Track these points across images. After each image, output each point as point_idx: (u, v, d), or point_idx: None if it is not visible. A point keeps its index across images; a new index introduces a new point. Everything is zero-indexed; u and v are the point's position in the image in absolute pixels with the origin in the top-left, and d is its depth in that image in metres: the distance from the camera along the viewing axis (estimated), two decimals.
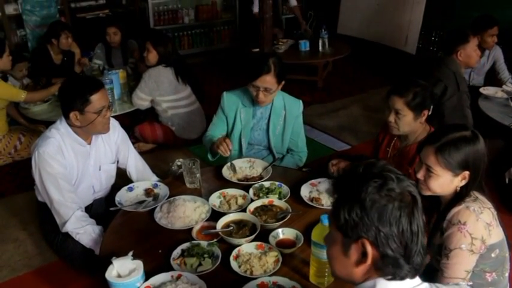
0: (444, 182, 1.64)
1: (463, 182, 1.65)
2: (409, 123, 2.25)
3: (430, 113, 2.26)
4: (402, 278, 1.04)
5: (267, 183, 2.25)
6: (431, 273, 1.68)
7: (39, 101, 3.66)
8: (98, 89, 2.18)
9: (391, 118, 2.27)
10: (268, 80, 2.43)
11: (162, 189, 2.26)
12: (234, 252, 1.74)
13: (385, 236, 0.99)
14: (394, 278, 1.04)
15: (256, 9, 5.55)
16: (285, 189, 2.21)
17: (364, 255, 1.02)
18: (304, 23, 6.01)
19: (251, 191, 2.19)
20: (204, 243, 1.79)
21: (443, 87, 3.02)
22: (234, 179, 2.33)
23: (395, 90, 2.25)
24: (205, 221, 1.97)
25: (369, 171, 1.04)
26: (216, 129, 2.68)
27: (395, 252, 1.00)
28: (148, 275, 1.62)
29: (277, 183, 2.25)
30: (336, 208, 1.05)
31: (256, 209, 2.04)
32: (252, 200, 2.11)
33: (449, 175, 1.63)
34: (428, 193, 1.68)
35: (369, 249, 1.01)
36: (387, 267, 1.02)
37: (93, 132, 2.29)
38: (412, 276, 1.05)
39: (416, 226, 1.01)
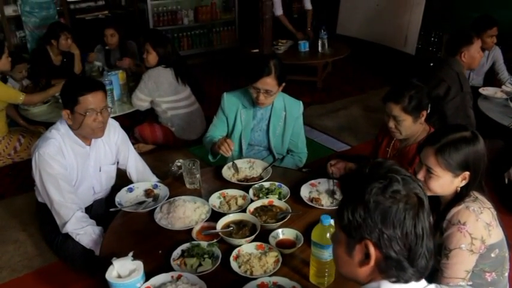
0: (444, 182, 1.65)
1: (463, 183, 1.65)
2: (410, 126, 2.25)
3: (428, 111, 2.27)
4: (406, 281, 1.03)
5: (266, 184, 2.25)
6: (431, 273, 1.68)
7: (38, 103, 3.66)
8: (90, 91, 2.17)
9: (391, 124, 2.27)
10: (269, 82, 2.43)
11: (162, 190, 2.26)
12: (234, 253, 1.74)
13: (388, 238, 0.98)
14: (398, 281, 1.03)
15: (278, 12, 5.61)
16: (285, 189, 2.22)
17: (367, 256, 1.02)
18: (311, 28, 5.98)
19: (251, 191, 2.19)
20: (204, 244, 1.79)
21: (446, 88, 3.03)
22: (234, 180, 2.33)
23: (390, 97, 2.24)
24: (205, 221, 1.97)
25: (374, 172, 1.03)
26: (217, 130, 2.69)
27: (399, 254, 0.99)
28: (148, 276, 1.62)
29: (277, 183, 2.25)
30: (340, 208, 1.05)
31: (256, 209, 2.04)
32: (252, 201, 2.11)
33: (450, 176, 1.63)
34: (428, 193, 1.68)
35: (372, 250, 1.00)
36: (391, 270, 1.01)
37: (84, 134, 2.27)
38: (417, 279, 1.04)
39: (422, 229, 0.99)
